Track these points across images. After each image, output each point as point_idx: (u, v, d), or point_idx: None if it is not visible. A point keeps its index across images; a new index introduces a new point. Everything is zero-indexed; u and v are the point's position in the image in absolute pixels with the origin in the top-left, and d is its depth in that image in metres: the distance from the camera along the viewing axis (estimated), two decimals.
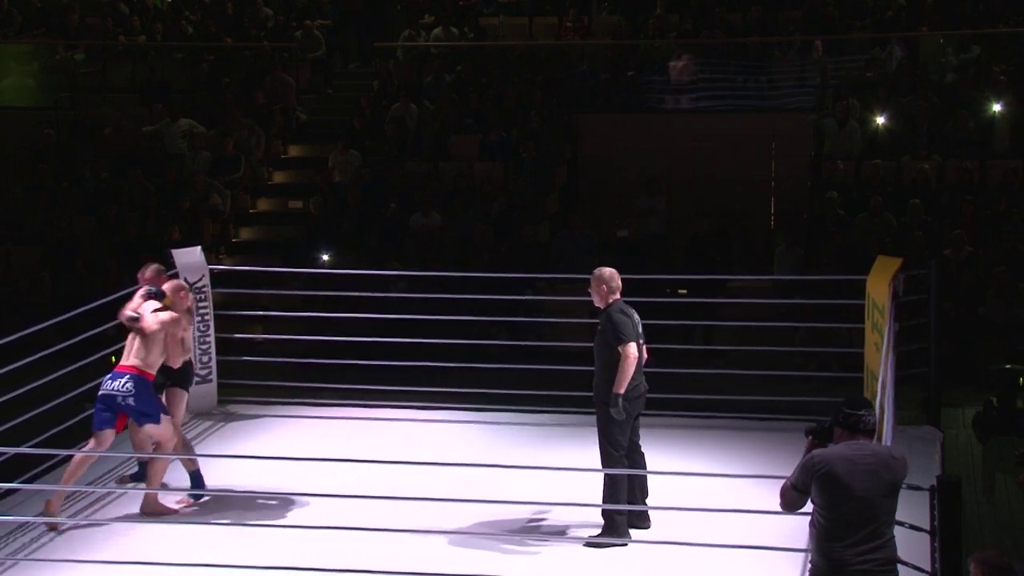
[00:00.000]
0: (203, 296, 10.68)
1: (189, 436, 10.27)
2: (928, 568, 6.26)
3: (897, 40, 17.46)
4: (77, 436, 9.46)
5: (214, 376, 10.81)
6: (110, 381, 8.46)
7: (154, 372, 8.51)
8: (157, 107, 17.89)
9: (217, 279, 10.93)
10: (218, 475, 9.00)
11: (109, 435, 8.50)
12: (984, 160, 15.43)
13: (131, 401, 8.38)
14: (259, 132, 17.42)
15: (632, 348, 7.95)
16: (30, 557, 7.82)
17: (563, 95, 17.59)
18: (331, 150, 16.84)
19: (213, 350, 10.78)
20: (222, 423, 10.44)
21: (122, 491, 8.83)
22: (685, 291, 13.46)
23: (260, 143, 17.41)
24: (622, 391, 7.96)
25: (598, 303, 8.22)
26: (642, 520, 8.17)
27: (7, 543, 8.01)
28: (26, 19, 20.07)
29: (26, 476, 8.61)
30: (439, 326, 11.28)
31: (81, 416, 9.69)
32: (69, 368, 9.58)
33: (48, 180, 16.58)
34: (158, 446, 8.54)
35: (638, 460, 8.34)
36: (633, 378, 8.01)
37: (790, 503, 5.89)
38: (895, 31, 17.74)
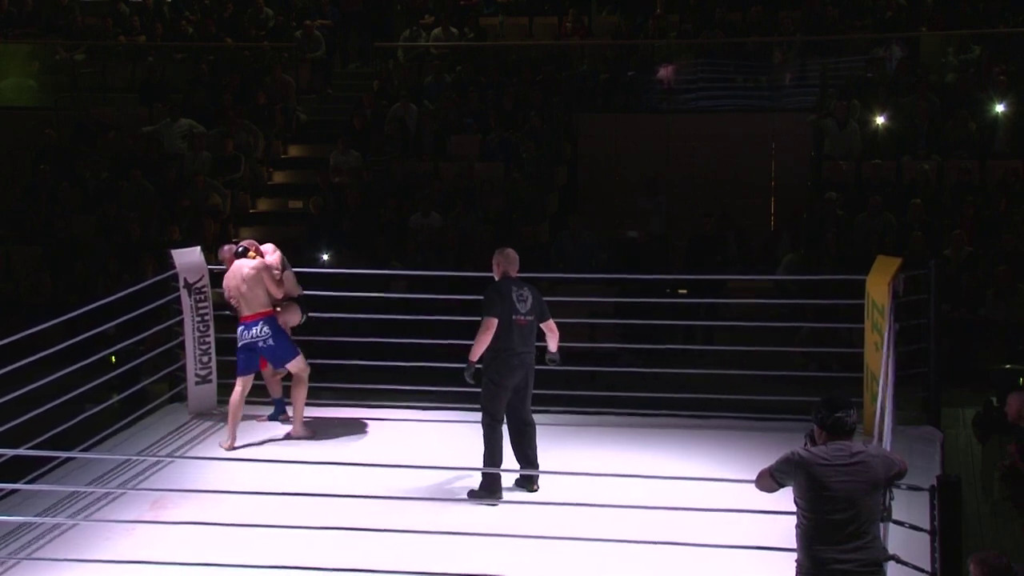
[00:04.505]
0: (203, 296, 10.68)
1: (189, 436, 10.32)
2: (928, 568, 6.26)
3: (897, 40, 17.47)
4: (77, 436, 9.46)
5: (214, 376, 10.81)
6: (245, 331, 9.83)
7: (273, 308, 9.91)
8: (157, 107, 17.91)
9: (217, 279, 10.92)
10: (218, 475, 9.02)
11: (250, 379, 9.94)
12: (984, 160, 15.43)
13: (270, 342, 9.82)
14: (259, 132, 17.42)
15: (490, 322, 8.59)
16: (30, 557, 7.83)
17: (563, 95, 17.60)
18: (331, 150, 16.85)
19: (213, 350, 10.78)
20: (222, 423, 10.43)
21: (121, 492, 8.84)
22: (685, 291, 13.47)
23: (260, 143, 17.41)
24: (473, 359, 8.69)
25: (495, 275, 8.92)
26: (529, 483, 8.81)
27: (7, 543, 8.01)
28: (26, 19, 20.08)
29: (27, 477, 8.60)
30: (439, 326, 11.28)
31: (81, 416, 9.70)
32: (70, 368, 9.57)
33: (48, 180, 16.59)
34: (296, 377, 9.94)
35: (524, 430, 8.86)
36: (509, 348, 8.61)
37: (763, 486, 6.17)
38: (895, 31, 17.75)
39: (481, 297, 8.86)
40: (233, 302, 9.98)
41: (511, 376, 8.70)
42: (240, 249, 10.06)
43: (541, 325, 8.90)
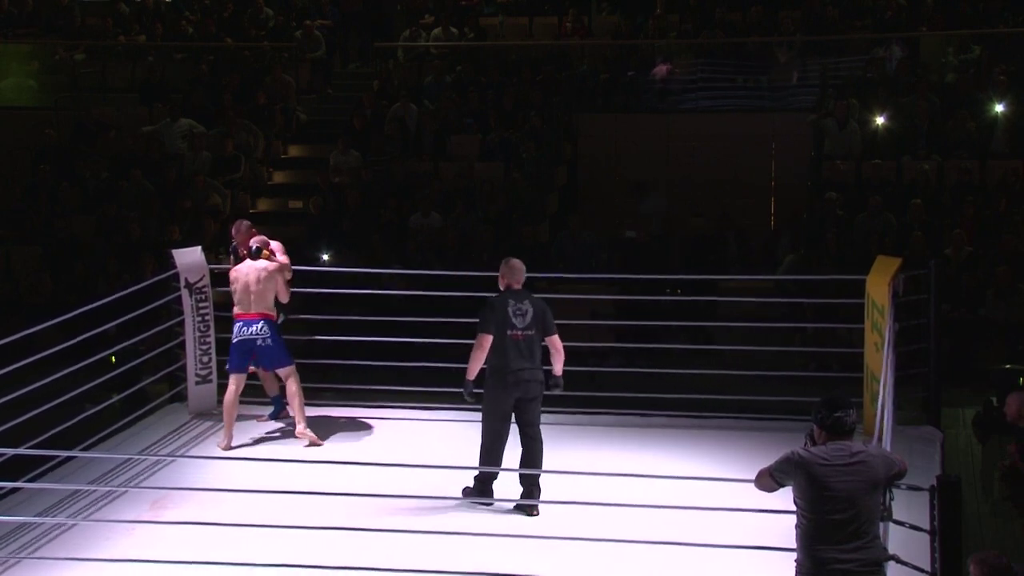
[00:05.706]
0: (203, 296, 10.68)
1: (189, 436, 10.32)
2: (928, 568, 6.26)
3: (897, 40, 17.47)
4: (77, 436, 9.46)
5: (214, 376, 10.80)
6: (245, 327, 9.73)
7: (275, 313, 9.85)
8: (157, 107, 17.91)
9: (217, 279, 10.92)
10: (218, 475, 9.02)
11: (243, 377, 9.86)
12: (984, 160, 15.43)
13: (268, 343, 9.73)
14: (259, 132, 17.42)
15: (483, 339, 8.50)
16: (30, 557, 7.83)
17: (563, 95, 17.60)
18: (331, 150, 16.84)
19: (213, 350, 10.77)
20: (222, 423, 10.43)
21: (121, 491, 8.84)
22: (679, 291, 13.45)
23: (260, 143, 17.41)
24: (470, 377, 8.62)
25: (500, 286, 8.80)
26: (528, 510, 8.47)
27: (7, 543, 8.01)
28: (26, 19, 20.09)
29: (27, 476, 8.60)
30: (439, 326, 11.27)
31: (81, 416, 9.70)
32: (69, 368, 9.57)
33: (48, 180, 16.59)
34: (290, 390, 9.83)
35: (527, 445, 8.65)
36: (512, 364, 8.47)
37: (762, 485, 6.16)
38: (895, 31, 17.75)
39: (480, 296, 8.86)
40: (237, 295, 9.87)
41: (506, 394, 8.54)
42: (255, 248, 9.94)
43: (545, 340, 8.66)
